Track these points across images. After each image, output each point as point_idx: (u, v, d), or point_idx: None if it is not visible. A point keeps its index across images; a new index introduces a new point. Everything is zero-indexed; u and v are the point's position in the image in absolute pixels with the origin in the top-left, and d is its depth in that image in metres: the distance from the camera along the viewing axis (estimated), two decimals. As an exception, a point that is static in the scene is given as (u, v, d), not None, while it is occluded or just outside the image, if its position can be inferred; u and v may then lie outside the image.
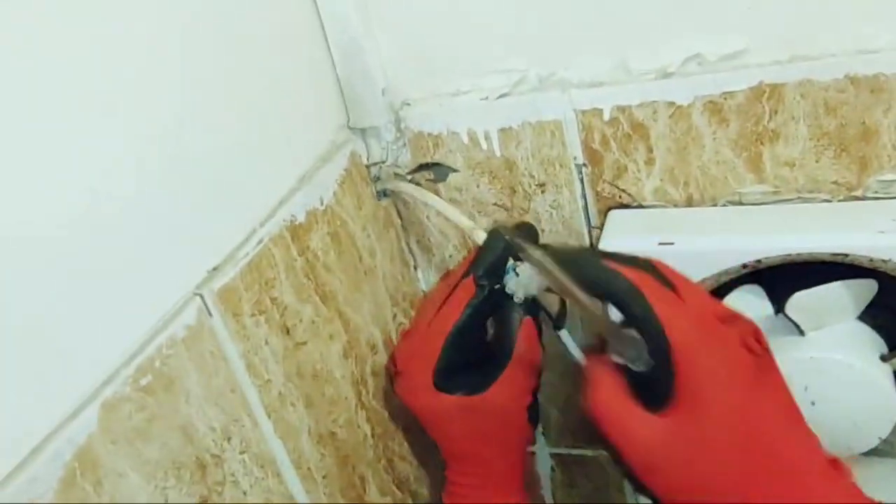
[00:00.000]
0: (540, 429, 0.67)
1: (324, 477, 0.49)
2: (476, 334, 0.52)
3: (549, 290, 0.48)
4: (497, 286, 0.49)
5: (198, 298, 0.40)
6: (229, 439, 0.41)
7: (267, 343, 0.45)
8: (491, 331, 0.54)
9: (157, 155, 0.39)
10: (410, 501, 0.60)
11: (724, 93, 0.47)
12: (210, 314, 0.41)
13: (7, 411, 0.31)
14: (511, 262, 0.49)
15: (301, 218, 0.48)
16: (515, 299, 0.49)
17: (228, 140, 0.44)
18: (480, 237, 0.51)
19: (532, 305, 0.51)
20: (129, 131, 0.37)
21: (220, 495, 0.40)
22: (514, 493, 0.57)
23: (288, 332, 0.47)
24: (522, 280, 0.48)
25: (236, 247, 0.43)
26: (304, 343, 0.48)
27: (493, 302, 0.50)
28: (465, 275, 0.51)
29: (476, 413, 0.51)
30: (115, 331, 0.36)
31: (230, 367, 0.42)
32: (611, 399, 0.38)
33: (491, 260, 0.49)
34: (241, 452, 0.42)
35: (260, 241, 0.45)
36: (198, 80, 0.42)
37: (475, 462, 0.54)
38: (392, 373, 0.55)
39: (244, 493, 0.42)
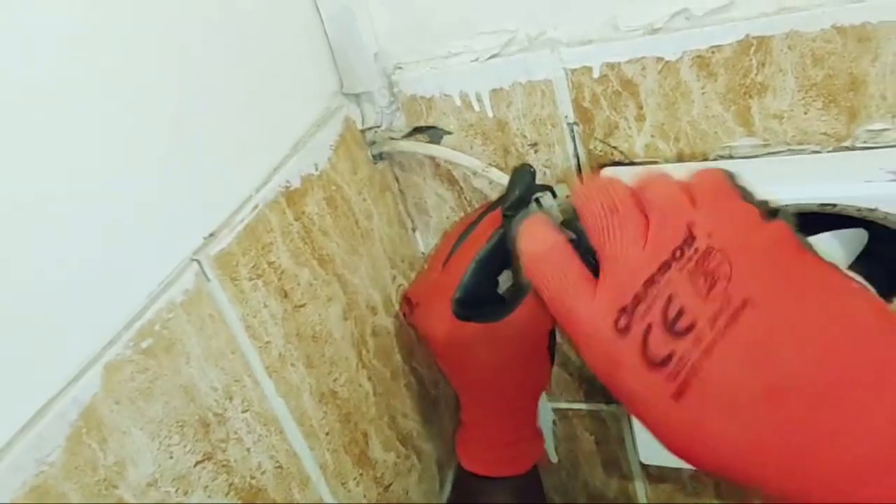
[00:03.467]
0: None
1: (326, 434, 0.51)
2: (497, 267, 0.53)
3: (564, 222, 0.50)
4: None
5: (195, 264, 0.41)
6: (231, 398, 0.43)
7: (265, 306, 0.46)
8: (504, 279, 0.55)
9: (152, 123, 0.39)
10: (414, 456, 0.62)
11: (712, 47, 0.47)
12: (208, 279, 0.42)
13: (13, 374, 0.32)
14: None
15: (296, 183, 0.49)
16: None
17: (221, 108, 0.44)
18: (495, 175, 0.52)
19: None
20: (124, 101, 0.38)
21: (224, 452, 0.42)
22: (530, 434, 0.58)
23: (286, 295, 0.48)
24: (545, 209, 0.50)
25: (232, 213, 0.45)
26: (303, 305, 0.49)
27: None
28: (489, 210, 0.52)
29: (497, 339, 0.51)
30: (115, 296, 0.37)
31: (230, 329, 0.43)
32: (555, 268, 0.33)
33: (519, 193, 0.50)
34: (244, 411, 0.44)
35: (255, 207, 0.46)
36: (191, 49, 0.42)
37: (492, 396, 0.54)
38: (408, 309, 0.56)
39: (248, 450, 0.44)
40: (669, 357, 0.29)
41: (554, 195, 0.48)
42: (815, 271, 0.30)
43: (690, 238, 0.30)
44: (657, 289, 0.30)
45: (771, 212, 0.32)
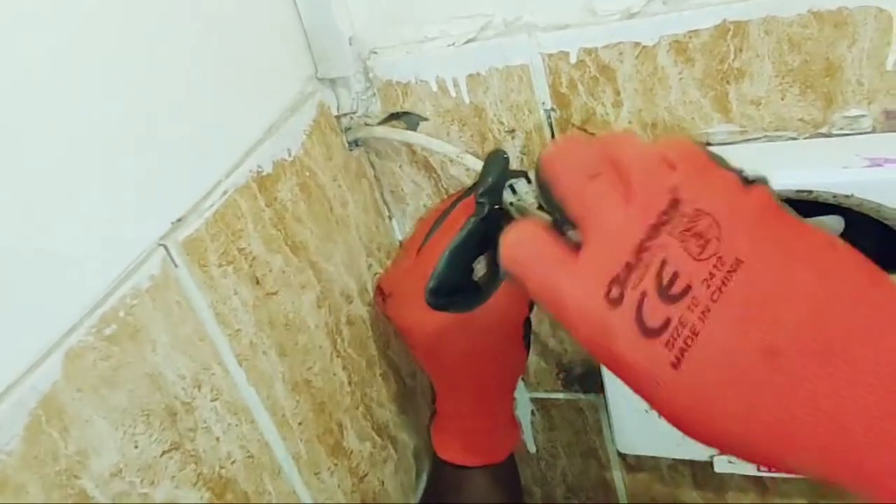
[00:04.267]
0: (519, 375, 0.68)
1: (299, 423, 0.50)
2: (471, 256, 0.53)
3: (540, 207, 0.50)
4: (497, 206, 0.50)
5: (162, 249, 0.40)
6: (199, 387, 0.42)
7: (236, 293, 0.45)
8: (479, 268, 0.54)
9: (120, 106, 0.38)
10: (390, 446, 0.61)
11: (689, 31, 0.47)
12: (175, 265, 0.41)
13: (-32, 361, 0.31)
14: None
15: (268, 169, 0.49)
16: (514, 214, 0.50)
17: (191, 91, 0.43)
18: (470, 161, 0.52)
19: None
20: (89, 82, 0.37)
21: (192, 441, 0.41)
22: (507, 422, 0.58)
23: (258, 282, 0.47)
24: (518, 195, 0.49)
25: (201, 198, 0.44)
26: (275, 293, 0.48)
27: (490, 223, 0.50)
28: (463, 196, 0.51)
29: (473, 328, 0.51)
30: (77, 281, 0.36)
31: (198, 316, 0.42)
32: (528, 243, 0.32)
33: (492, 180, 0.50)
34: (213, 400, 0.43)
35: (225, 192, 0.45)
36: (161, 31, 0.41)
37: (469, 385, 0.54)
38: (381, 299, 0.56)
39: (217, 440, 0.43)
40: (666, 323, 0.28)
41: (528, 181, 0.48)
42: (801, 231, 0.29)
43: (675, 201, 0.29)
44: (649, 254, 0.28)
45: (748, 179, 0.31)
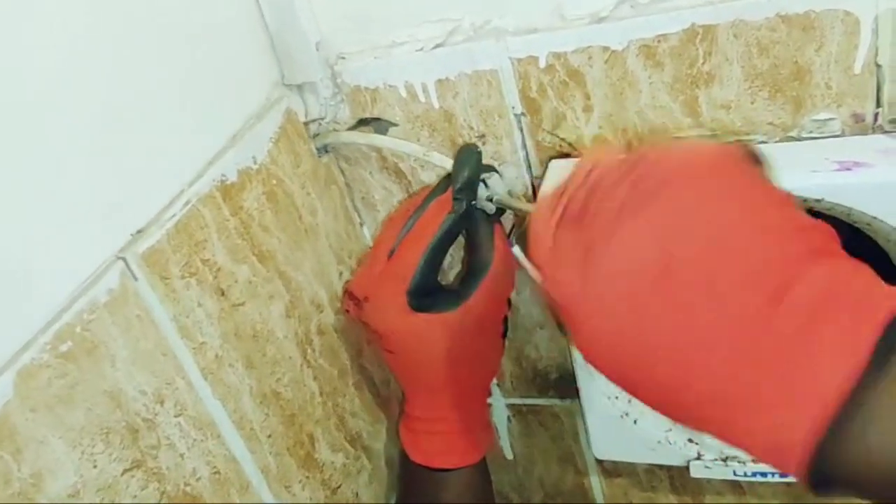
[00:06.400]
0: (494, 381, 0.68)
1: (269, 436, 0.49)
2: (444, 254, 0.52)
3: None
4: (473, 201, 0.49)
5: (120, 262, 0.39)
6: (162, 402, 0.41)
7: (200, 305, 0.44)
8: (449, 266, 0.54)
9: (77, 112, 0.37)
10: (364, 457, 0.60)
11: (658, 36, 0.46)
12: (135, 278, 0.40)
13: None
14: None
15: (233, 177, 0.48)
16: (488, 210, 0.50)
17: (152, 98, 0.42)
18: (437, 158, 0.51)
19: (501, 215, 0.53)
20: (49, 88, 0.36)
21: (154, 459, 0.40)
22: (481, 425, 0.57)
23: (223, 293, 0.46)
24: (493, 189, 0.49)
25: (162, 209, 0.43)
26: (242, 304, 0.47)
27: (466, 219, 0.50)
28: (433, 194, 0.51)
29: (455, 328, 0.50)
30: (30, 297, 0.35)
31: (160, 330, 0.41)
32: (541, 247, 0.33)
33: (467, 175, 0.49)
34: (177, 415, 0.42)
35: (188, 203, 0.44)
36: (121, 37, 0.40)
37: (445, 387, 0.53)
38: (352, 305, 0.55)
39: (181, 456, 0.42)
40: (583, 212, 0.30)
41: (500, 174, 0.48)
42: (748, 177, 0.30)
43: (629, 162, 0.30)
44: (586, 179, 0.31)
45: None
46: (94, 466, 0.37)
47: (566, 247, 0.30)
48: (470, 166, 0.50)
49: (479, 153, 0.50)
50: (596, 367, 0.30)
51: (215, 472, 0.44)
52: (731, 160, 0.30)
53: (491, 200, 0.52)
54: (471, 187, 0.50)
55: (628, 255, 0.27)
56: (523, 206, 0.52)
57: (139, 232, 0.41)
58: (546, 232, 0.31)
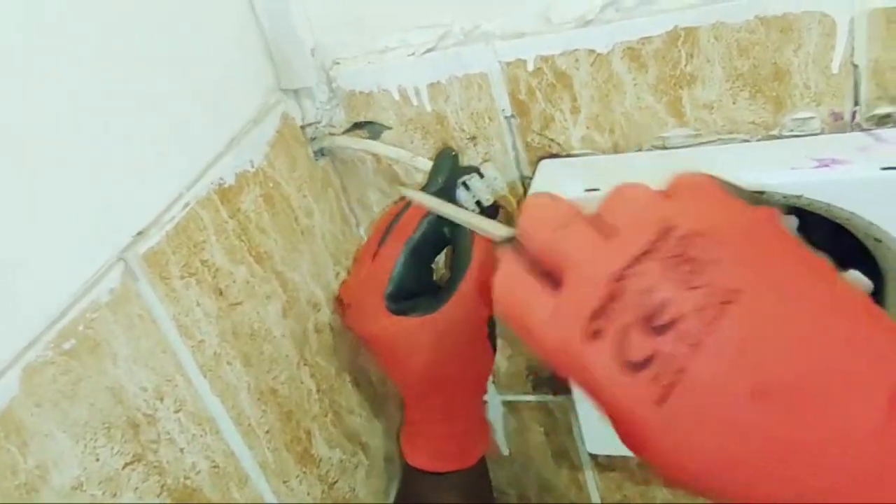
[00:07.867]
0: (490, 378, 0.69)
1: (266, 432, 0.50)
2: (427, 257, 0.53)
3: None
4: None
5: (122, 263, 0.41)
6: (162, 399, 0.42)
7: (199, 304, 0.45)
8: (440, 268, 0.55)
9: (78, 117, 0.39)
10: (361, 452, 0.62)
11: (642, 38, 0.48)
12: (136, 278, 0.41)
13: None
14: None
15: (230, 181, 0.49)
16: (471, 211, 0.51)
17: (151, 103, 0.44)
18: (421, 163, 0.52)
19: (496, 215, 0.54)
20: (49, 91, 0.37)
21: (155, 453, 0.42)
22: (477, 426, 0.58)
23: (221, 293, 0.47)
24: (473, 192, 0.50)
25: (161, 211, 0.44)
26: (240, 303, 0.49)
27: (446, 222, 0.51)
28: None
29: (435, 332, 0.50)
30: (35, 296, 0.36)
31: (160, 329, 0.43)
32: (509, 277, 0.31)
33: (442, 180, 0.50)
34: (176, 411, 0.43)
35: (187, 205, 0.45)
36: (121, 43, 0.42)
37: (436, 390, 0.54)
38: (341, 310, 0.56)
39: (181, 450, 0.43)
40: (652, 357, 0.25)
41: (481, 175, 0.48)
42: (804, 258, 0.27)
43: (666, 230, 0.27)
44: (632, 282, 0.26)
45: (757, 201, 0.29)
46: (97, 460, 0.38)
47: (583, 328, 0.27)
48: (445, 169, 0.51)
49: (456, 156, 0.51)
50: (658, 470, 0.27)
51: (214, 467, 0.46)
52: (767, 219, 0.28)
53: (479, 203, 0.53)
54: (447, 190, 0.51)
55: (718, 371, 0.25)
56: (507, 205, 0.53)
57: (140, 234, 0.42)
58: (536, 300, 0.29)
